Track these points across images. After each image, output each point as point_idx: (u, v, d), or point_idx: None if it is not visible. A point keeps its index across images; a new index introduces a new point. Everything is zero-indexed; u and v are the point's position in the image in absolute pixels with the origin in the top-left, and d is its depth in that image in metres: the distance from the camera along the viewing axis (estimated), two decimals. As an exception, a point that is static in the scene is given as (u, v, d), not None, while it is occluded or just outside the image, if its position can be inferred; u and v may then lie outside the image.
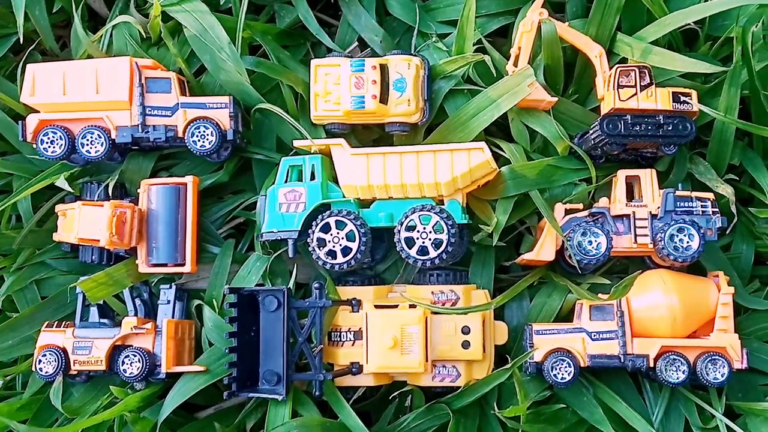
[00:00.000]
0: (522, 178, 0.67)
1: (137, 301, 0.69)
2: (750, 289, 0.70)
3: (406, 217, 0.63)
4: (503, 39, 0.72)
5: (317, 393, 0.66)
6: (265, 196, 0.67)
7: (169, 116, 0.67)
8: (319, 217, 0.65)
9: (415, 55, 0.69)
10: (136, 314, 0.68)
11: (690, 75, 0.67)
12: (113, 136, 0.68)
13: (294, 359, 0.67)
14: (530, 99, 0.67)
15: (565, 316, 0.71)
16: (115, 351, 0.66)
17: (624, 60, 0.68)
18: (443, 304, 0.69)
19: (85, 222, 0.65)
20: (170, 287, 0.67)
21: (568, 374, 0.64)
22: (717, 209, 0.66)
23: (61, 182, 0.68)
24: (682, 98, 0.65)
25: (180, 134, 0.67)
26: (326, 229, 0.64)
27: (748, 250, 0.70)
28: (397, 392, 0.69)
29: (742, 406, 0.66)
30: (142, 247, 0.68)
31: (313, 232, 0.64)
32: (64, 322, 0.69)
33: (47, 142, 0.67)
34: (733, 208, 0.66)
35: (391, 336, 0.66)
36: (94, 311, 0.69)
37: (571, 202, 0.69)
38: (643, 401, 0.69)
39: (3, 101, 0.72)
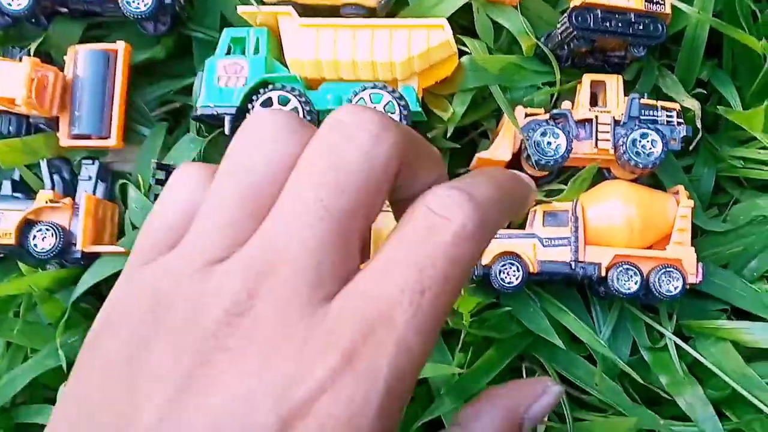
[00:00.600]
0: (483, 72, 0.63)
1: (56, 178, 0.62)
2: (708, 216, 0.67)
3: (356, 95, 0.58)
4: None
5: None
6: (203, 70, 0.61)
7: (102, -26, 0.61)
8: (261, 90, 0.59)
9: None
10: (53, 189, 0.61)
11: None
12: (39, -9, 0.61)
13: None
14: (497, -11, 0.63)
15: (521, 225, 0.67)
16: (27, 225, 0.59)
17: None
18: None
19: (0, 78, 0.58)
20: (93, 163, 0.61)
21: (516, 279, 0.58)
22: (682, 120, 0.63)
23: (-21, 41, 0.61)
24: (655, -1, 0.62)
25: (115, -5, 0.61)
26: (267, 104, 0.59)
27: (709, 173, 0.67)
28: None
29: (692, 325, 0.63)
30: (64, 119, 0.62)
31: (253, 106, 0.59)
32: (-28, 193, 0.61)
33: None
34: (699, 123, 0.63)
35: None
36: (6, 185, 0.63)
37: (532, 105, 0.65)
38: (591, 320, 0.66)
39: None
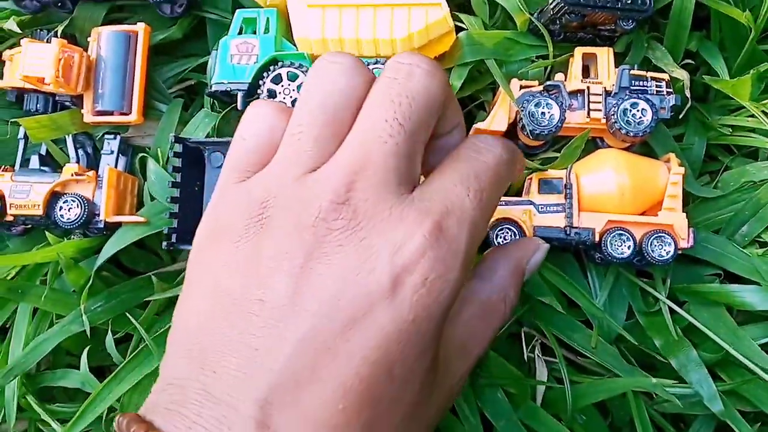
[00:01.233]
0: (479, 46, 0.66)
1: (80, 152, 0.67)
2: (700, 183, 0.70)
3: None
4: None
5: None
6: (217, 49, 0.65)
7: (124, -41, 0.66)
8: (271, 67, 0.63)
9: None
10: (78, 163, 0.65)
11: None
12: (64, -22, 0.65)
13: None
14: (490, -34, 0.66)
15: (519, 192, 0.69)
16: (53, 198, 0.64)
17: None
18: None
19: (30, 58, 0.63)
20: (114, 137, 0.66)
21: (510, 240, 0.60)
22: (671, 90, 0.66)
23: (10, 24, 0.66)
24: (643, -27, 0.65)
25: (134, -21, 0.65)
26: (277, 80, 0.63)
27: (700, 142, 0.70)
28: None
29: (685, 290, 0.65)
30: (88, 97, 0.66)
31: (264, 83, 0.63)
32: (3, 167, 0.66)
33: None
34: (687, 93, 0.66)
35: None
36: (35, 159, 0.67)
37: (527, 78, 0.68)
38: (588, 285, 0.68)
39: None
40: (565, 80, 0.68)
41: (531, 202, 0.64)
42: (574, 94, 0.67)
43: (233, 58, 0.66)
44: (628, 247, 0.62)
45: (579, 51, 0.68)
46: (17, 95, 0.69)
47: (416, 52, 0.36)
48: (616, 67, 0.68)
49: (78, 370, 0.67)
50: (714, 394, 0.64)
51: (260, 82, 0.65)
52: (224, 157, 0.65)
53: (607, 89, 0.67)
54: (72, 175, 0.65)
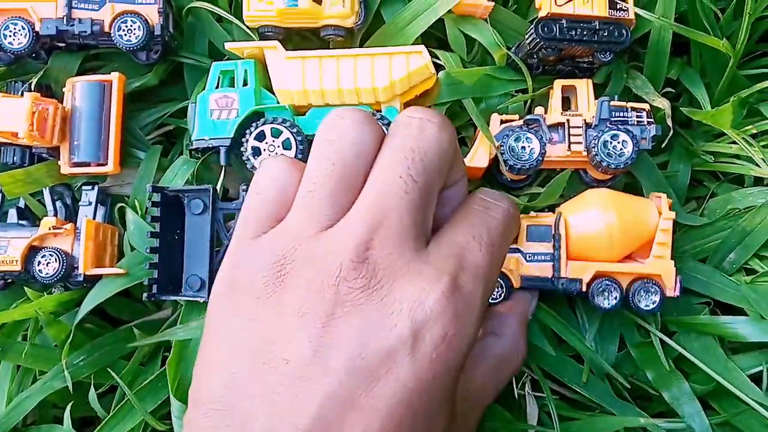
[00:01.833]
0: (458, 85, 0.66)
1: (58, 204, 0.66)
2: (686, 210, 0.69)
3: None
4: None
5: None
6: (195, 102, 0.65)
7: (96, 10, 0.66)
8: (254, 124, 0.63)
9: (350, -44, 0.67)
10: (56, 215, 0.65)
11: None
12: (37, 29, 0.65)
13: (219, 265, 0.65)
14: (467, 3, 0.66)
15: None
16: (32, 252, 0.63)
17: (562, -31, 0.67)
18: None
19: (3, 113, 0.63)
20: (92, 188, 0.65)
21: (499, 294, 0.60)
22: (652, 119, 0.65)
23: (-17, 78, 0.65)
24: (619, 5, 0.65)
25: (107, 29, 0.65)
26: (261, 137, 0.62)
27: (685, 169, 0.69)
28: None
29: (676, 320, 0.65)
30: (64, 148, 0.66)
31: (247, 140, 0.62)
32: (-20, 222, 0.65)
33: (-31, 37, 0.64)
34: (669, 122, 0.65)
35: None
36: (12, 213, 0.66)
37: (507, 112, 0.67)
38: (576, 318, 0.68)
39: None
40: (545, 113, 0.68)
41: (518, 251, 0.62)
42: (554, 127, 0.67)
43: (213, 113, 0.65)
44: (615, 298, 0.61)
45: (558, 84, 0.68)
46: (-7, 148, 0.69)
47: (429, 109, 0.39)
48: (596, 98, 0.67)
49: (62, 425, 0.66)
50: (707, 428, 0.63)
51: (243, 140, 0.64)
52: (203, 204, 0.64)
53: (587, 121, 0.66)
54: (50, 228, 0.64)
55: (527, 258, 0.62)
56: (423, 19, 0.67)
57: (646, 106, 0.67)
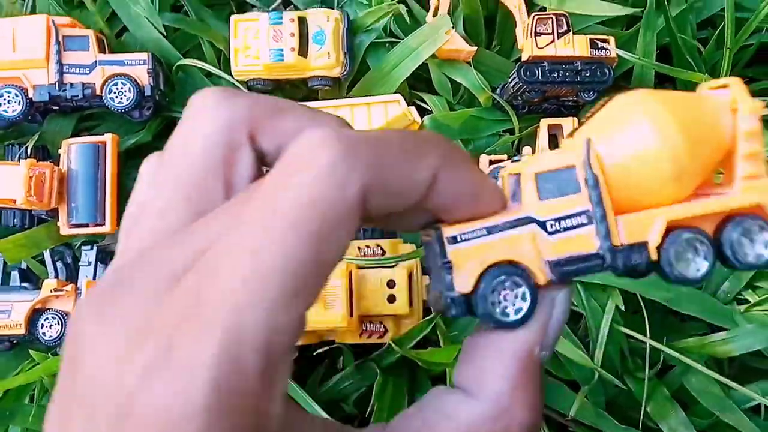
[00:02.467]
0: (445, 128, 0.67)
1: (59, 264, 0.68)
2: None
3: None
4: (428, -6, 0.72)
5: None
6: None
7: (87, 74, 0.67)
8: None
9: (334, 9, 0.68)
10: (57, 277, 0.67)
11: (609, 23, 0.68)
12: (30, 95, 0.66)
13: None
14: (449, 49, 0.67)
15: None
16: (35, 314, 0.65)
17: (543, 9, 0.68)
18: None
19: (0, 181, 0.64)
20: (91, 248, 0.66)
21: (523, 304, 0.30)
22: (640, 155, 0.65)
23: (-20, 144, 0.67)
24: (600, 44, 0.65)
25: (98, 92, 0.67)
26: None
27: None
28: (322, 350, 0.67)
29: (673, 346, 0.65)
30: (63, 209, 0.67)
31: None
32: (-16, 285, 0.67)
33: (-35, 105, 0.66)
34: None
35: (313, 288, 0.64)
36: (15, 276, 0.68)
37: (495, 153, 0.68)
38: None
39: None
40: (533, 152, 0.68)
41: (531, 219, 0.31)
42: (542, 166, 0.67)
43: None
44: (706, 256, 0.31)
45: (544, 123, 0.68)
46: (-6, 212, 0.70)
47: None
48: (583, 136, 0.67)
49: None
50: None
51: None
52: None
53: (575, 160, 0.66)
54: (51, 291, 0.66)
55: (549, 229, 0.32)
56: (406, 64, 0.68)
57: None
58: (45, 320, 0.65)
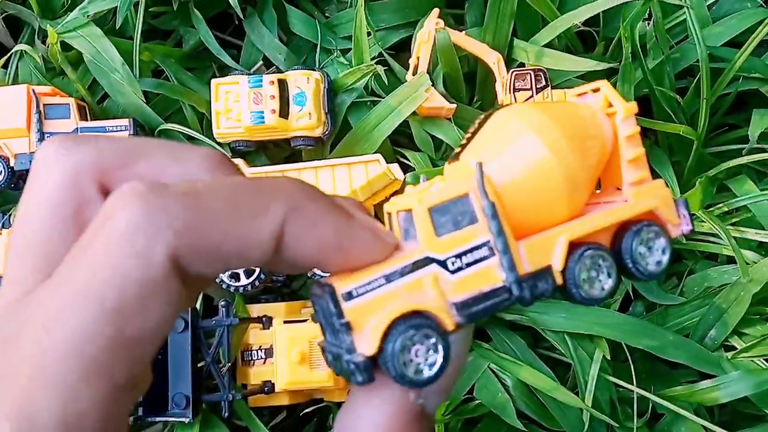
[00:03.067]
0: (427, 186, 0.66)
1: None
2: (667, 287, 0.70)
3: None
4: (408, 53, 0.73)
5: (226, 414, 0.65)
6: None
7: (69, 141, 0.66)
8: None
9: (314, 70, 0.69)
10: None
11: (588, 76, 0.68)
12: (12, 164, 0.66)
13: (204, 381, 0.66)
14: (430, 107, 0.67)
15: (485, 321, 0.69)
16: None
17: (522, 65, 0.69)
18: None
19: (-15, 251, 0.63)
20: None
21: (436, 356, 0.26)
22: (621, 206, 0.66)
23: (-37, 213, 0.66)
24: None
25: (80, 159, 0.66)
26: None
27: (662, 246, 0.69)
28: (310, 409, 0.66)
29: (662, 394, 0.65)
30: (47, 276, 0.66)
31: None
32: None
33: (-53, 175, 0.66)
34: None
35: (298, 350, 0.65)
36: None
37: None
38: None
39: None
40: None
41: (432, 259, 0.27)
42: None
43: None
44: (609, 273, 0.29)
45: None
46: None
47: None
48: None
49: None
50: None
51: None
52: (185, 322, 0.65)
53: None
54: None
55: (451, 267, 0.27)
56: (387, 123, 0.68)
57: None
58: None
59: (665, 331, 0.67)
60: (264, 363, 0.69)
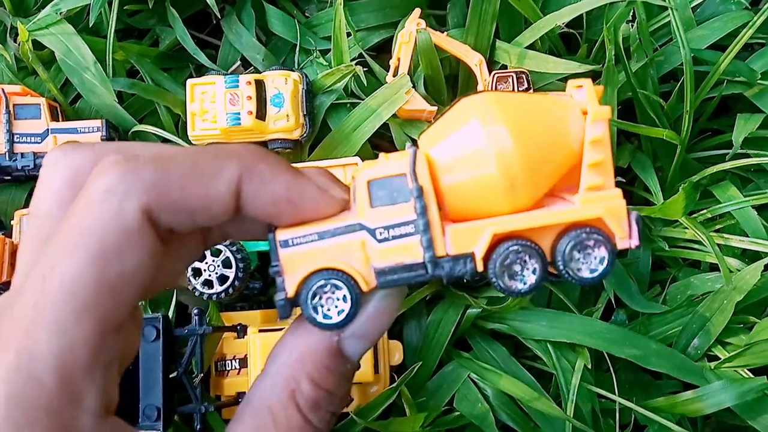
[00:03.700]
0: (406, 189, 0.65)
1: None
2: (650, 295, 0.68)
3: None
4: (388, 54, 0.71)
5: (198, 426, 0.63)
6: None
7: (39, 143, 0.65)
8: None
9: (292, 71, 0.67)
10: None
11: (571, 79, 0.67)
12: (-19, 165, 0.65)
13: (176, 392, 0.64)
14: (410, 109, 0.66)
15: (466, 330, 0.67)
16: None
17: (504, 67, 0.68)
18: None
19: (-51, 256, 0.61)
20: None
21: (345, 305, 0.30)
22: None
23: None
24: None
25: (50, 161, 0.64)
26: (201, 257, 0.61)
27: (645, 255, 0.68)
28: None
29: (647, 405, 0.63)
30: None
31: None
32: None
33: None
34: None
35: (274, 359, 0.63)
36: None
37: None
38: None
39: None
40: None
41: (362, 226, 0.31)
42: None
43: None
44: (534, 270, 0.30)
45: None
46: (-55, 284, 0.68)
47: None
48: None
49: None
50: None
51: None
52: (156, 330, 0.63)
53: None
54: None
55: (378, 237, 0.31)
56: (367, 125, 0.67)
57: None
58: None
59: (648, 340, 0.66)
60: (238, 373, 0.67)
